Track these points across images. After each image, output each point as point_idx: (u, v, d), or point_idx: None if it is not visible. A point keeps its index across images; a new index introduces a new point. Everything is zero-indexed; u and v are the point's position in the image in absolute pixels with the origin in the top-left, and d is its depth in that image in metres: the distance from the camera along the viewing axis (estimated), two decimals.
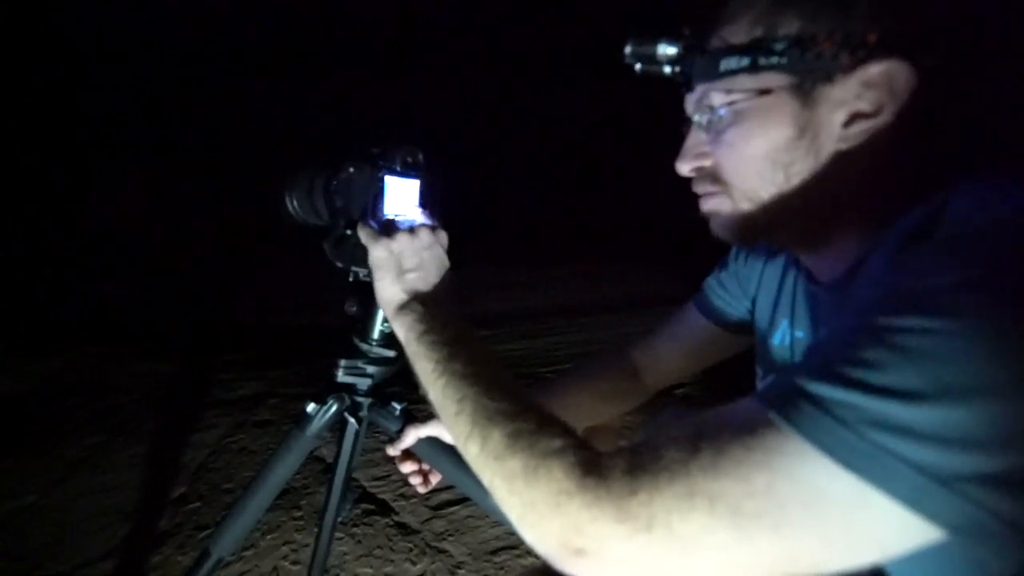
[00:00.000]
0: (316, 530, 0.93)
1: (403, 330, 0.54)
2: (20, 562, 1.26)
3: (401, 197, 0.67)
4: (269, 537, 1.34)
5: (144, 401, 1.99)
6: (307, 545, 1.31)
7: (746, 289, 0.67)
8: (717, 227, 0.49)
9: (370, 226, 0.61)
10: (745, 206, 0.45)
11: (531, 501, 0.35)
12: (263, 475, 0.79)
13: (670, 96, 0.50)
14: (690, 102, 0.47)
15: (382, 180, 0.66)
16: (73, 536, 1.34)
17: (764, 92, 0.41)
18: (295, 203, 0.69)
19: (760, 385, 0.61)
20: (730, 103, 0.43)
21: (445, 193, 0.75)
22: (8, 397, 2.00)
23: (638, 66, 0.47)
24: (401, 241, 0.58)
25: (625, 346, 0.83)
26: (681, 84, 0.47)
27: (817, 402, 0.30)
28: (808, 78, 0.39)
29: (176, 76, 4.97)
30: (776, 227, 0.46)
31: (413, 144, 0.69)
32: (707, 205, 0.48)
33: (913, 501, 0.27)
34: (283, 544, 1.33)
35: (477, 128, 4.92)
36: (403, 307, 0.56)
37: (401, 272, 0.57)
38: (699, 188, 0.48)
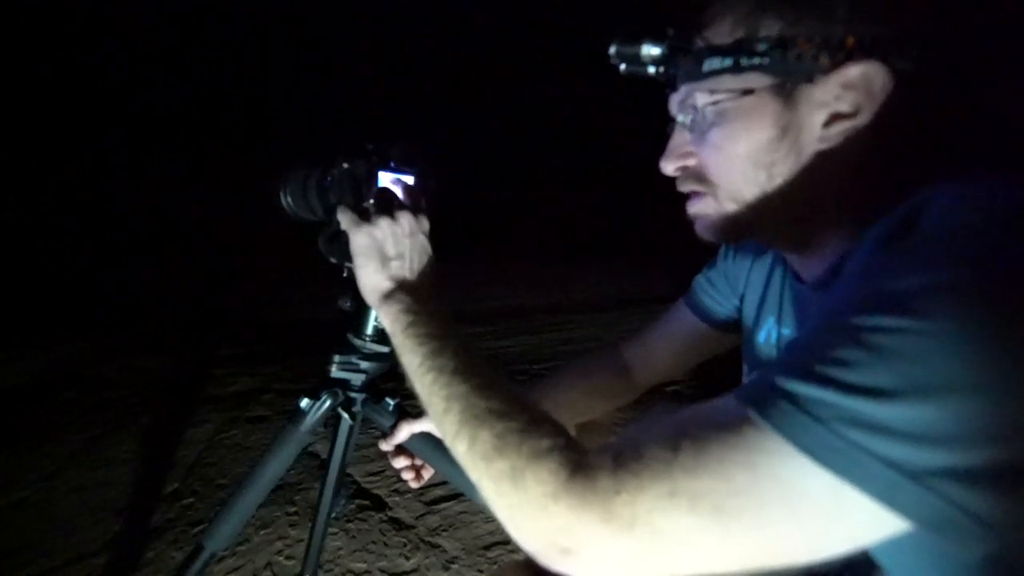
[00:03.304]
0: (310, 525, 0.94)
1: (389, 320, 0.53)
2: (11, 557, 1.25)
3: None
4: (263, 532, 1.34)
5: (137, 397, 1.99)
6: (301, 540, 1.31)
7: (735, 287, 0.68)
8: (702, 229, 0.49)
9: (351, 211, 0.59)
10: (729, 206, 0.46)
11: (517, 503, 0.36)
12: (257, 470, 0.79)
13: (658, 96, 0.51)
14: (674, 102, 0.48)
15: (376, 176, 0.66)
16: (66, 531, 1.34)
17: (747, 92, 0.42)
18: (290, 199, 0.69)
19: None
20: (713, 103, 0.43)
21: (441, 189, 0.75)
22: (0, 392, 1.99)
23: (623, 67, 0.47)
24: (383, 227, 0.57)
25: (617, 344, 0.84)
26: (665, 85, 0.47)
27: (794, 400, 0.30)
28: (789, 79, 0.40)
29: (171, 72, 4.93)
30: (760, 226, 0.46)
31: (408, 139, 0.70)
32: (693, 207, 0.49)
33: (884, 496, 0.28)
34: (277, 539, 1.33)
35: (472, 125, 4.91)
36: (388, 297, 0.55)
37: (385, 260, 0.56)
38: (683, 187, 0.49)
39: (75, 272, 3.31)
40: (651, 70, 0.46)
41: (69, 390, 2.02)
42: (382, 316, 0.54)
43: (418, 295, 0.54)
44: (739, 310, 0.67)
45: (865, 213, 0.41)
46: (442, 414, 0.43)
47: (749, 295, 0.64)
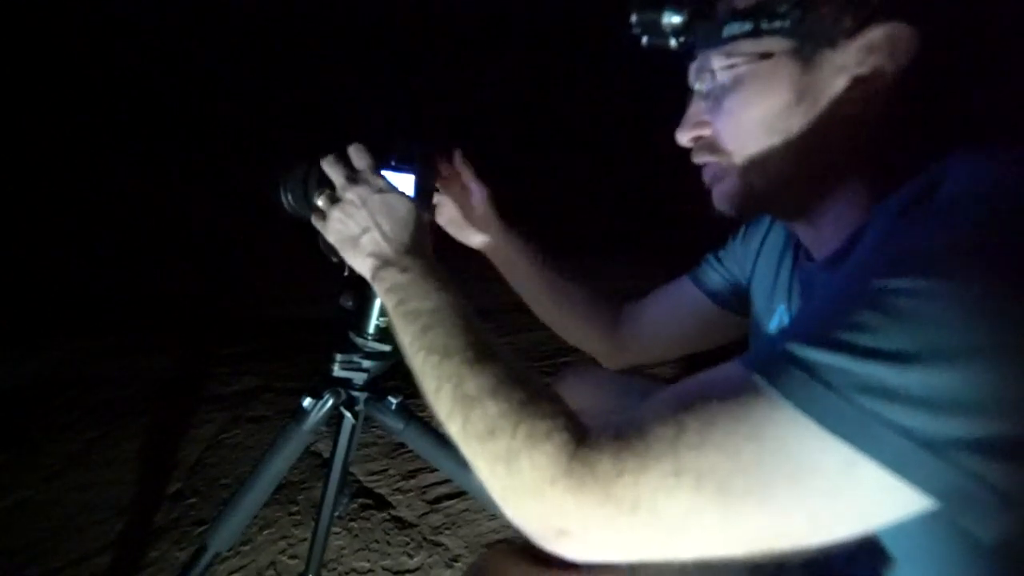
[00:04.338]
0: (313, 524, 0.93)
1: (384, 301, 0.52)
2: (14, 557, 1.25)
3: None
4: (266, 532, 1.34)
5: (139, 396, 1.99)
6: (304, 540, 1.31)
7: (743, 269, 0.67)
8: (719, 200, 0.48)
9: (311, 214, 0.60)
10: (744, 175, 0.45)
11: (512, 485, 0.35)
12: (259, 469, 0.79)
13: (666, 84, 0.50)
14: (692, 71, 0.46)
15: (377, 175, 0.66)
16: (68, 531, 1.34)
17: (765, 56, 0.40)
18: (290, 197, 0.69)
19: None
20: (730, 66, 0.42)
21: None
22: (1, 392, 1.99)
23: (644, 39, 0.46)
24: (335, 215, 0.57)
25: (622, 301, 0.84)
26: (684, 55, 0.46)
27: (806, 367, 0.29)
28: (809, 42, 0.39)
29: (172, 70, 4.92)
30: (775, 196, 0.45)
31: (408, 137, 0.69)
32: (708, 175, 0.48)
33: (900, 467, 0.27)
34: (280, 539, 1.33)
35: (471, 122, 4.91)
36: (375, 278, 0.54)
37: (355, 242, 0.55)
38: (697, 158, 0.48)
39: (75, 272, 3.31)
40: (672, 42, 0.44)
41: (70, 390, 2.01)
42: (381, 297, 0.54)
43: (401, 263, 0.52)
44: (745, 292, 0.66)
45: (883, 184, 0.39)
46: (434, 393, 0.42)
47: (758, 282, 0.63)
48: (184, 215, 4.11)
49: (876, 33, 0.37)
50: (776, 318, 0.57)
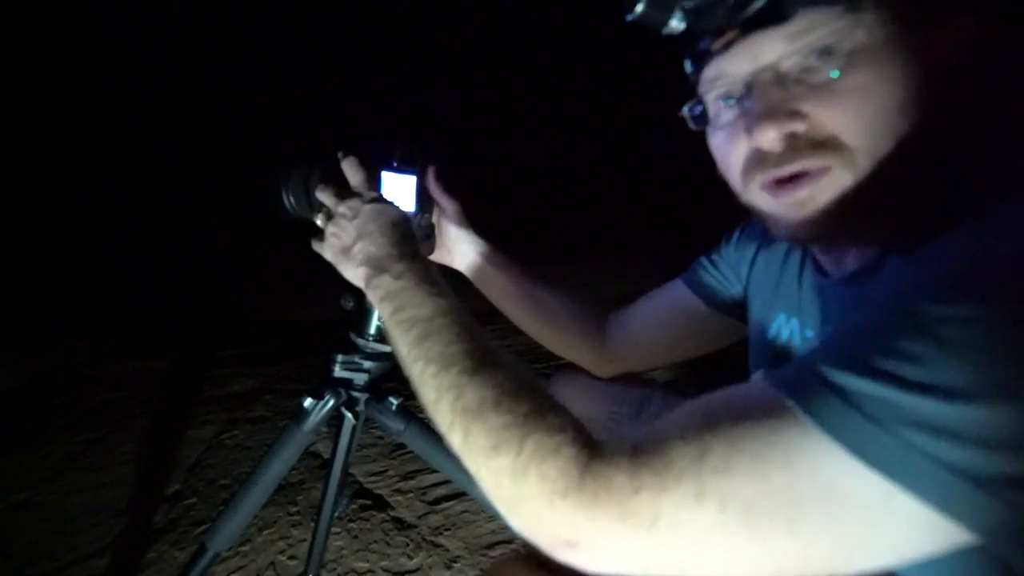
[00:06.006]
0: (313, 525, 0.93)
1: (379, 310, 0.51)
2: (13, 559, 1.25)
3: (398, 193, 0.67)
4: (266, 532, 1.34)
5: (137, 397, 1.98)
6: (304, 540, 1.31)
7: (738, 273, 0.65)
8: (804, 222, 0.39)
9: (312, 235, 0.62)
10: (861, 178, 0.36)
11: (520, 498, 0.34)
12: (259, 470, 0.79)
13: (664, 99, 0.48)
14: (767, 46, 0.37)
15: (378, 176, 0.66)
16: (66, 533, 1.34)
17: (892, 26, 0.35)
18: (291, 198, 0.69)
19: None
20: (852, 42, 0.35)
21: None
22: (0, 393, 1.99)
23: (693, 18, 0.38)
24: (330, 230, 0.59)
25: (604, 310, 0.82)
26: (747, 25, 0.37)
27: (845, 395, 0.27)
28: (917, 27, 0.35)
29: (174, 67, 4.91)
30: (871, 209, 0.38)
31: (411, 139, 0.70)
32: (802, 192, 0.38)
33: (945, 504, 0.25)
34: (279, 539, 1.33)
35: (469, 124, 4.91)
36: (369, 284, 0.53)
37: (347, 253, 0.56)
38: (795, 164, 0.38)
39: (74, 272, 3.30)
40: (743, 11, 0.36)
41: (69, 391, 2.01)
42: (376, 308, 0.53)
43: (395, 270, 0.51)
44: (742, 297, 0.65)
45: (916, 199, 0.36)
46: (434, 404, 0.40)
47: (755, 288, 0.61)
48: (184, 216, 4.11)
49: (968, 21, 0.35)
50: (775, 326, 0.56)
